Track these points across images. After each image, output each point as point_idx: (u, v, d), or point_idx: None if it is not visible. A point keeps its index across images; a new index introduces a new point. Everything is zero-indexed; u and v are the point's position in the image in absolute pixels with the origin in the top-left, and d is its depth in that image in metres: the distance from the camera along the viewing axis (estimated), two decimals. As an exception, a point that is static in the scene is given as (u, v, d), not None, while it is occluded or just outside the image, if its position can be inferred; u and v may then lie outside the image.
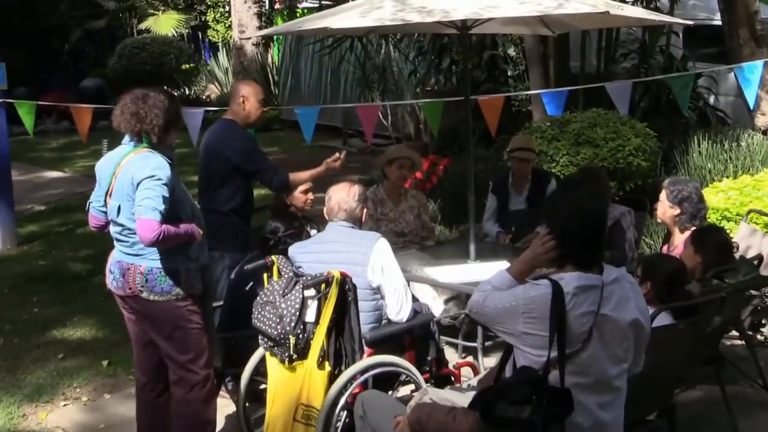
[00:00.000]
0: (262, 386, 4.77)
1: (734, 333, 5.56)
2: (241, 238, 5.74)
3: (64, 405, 5.66)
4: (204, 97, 21.47)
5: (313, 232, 5.67)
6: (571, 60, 11.14)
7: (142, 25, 22.84)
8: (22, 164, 14.42)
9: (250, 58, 20.88)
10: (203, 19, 24.88)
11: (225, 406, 5.16)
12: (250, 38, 20.03)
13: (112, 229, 4.42)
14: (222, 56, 22.42)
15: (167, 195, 4.19)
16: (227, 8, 22.67)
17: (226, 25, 23.18)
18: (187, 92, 21.55)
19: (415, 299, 5.79)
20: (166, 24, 22.48)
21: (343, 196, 4.73)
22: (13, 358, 6.42)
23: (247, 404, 4.86)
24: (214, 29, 24.61)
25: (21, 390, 5.84)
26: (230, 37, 21.99)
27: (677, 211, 5.42)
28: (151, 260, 4.31)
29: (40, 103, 9.55)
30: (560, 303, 3.02)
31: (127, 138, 4.37)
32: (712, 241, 4.96)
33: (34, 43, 22.85)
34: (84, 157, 14.87)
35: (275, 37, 20.99)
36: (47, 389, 5.85)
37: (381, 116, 12.79)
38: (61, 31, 23.62)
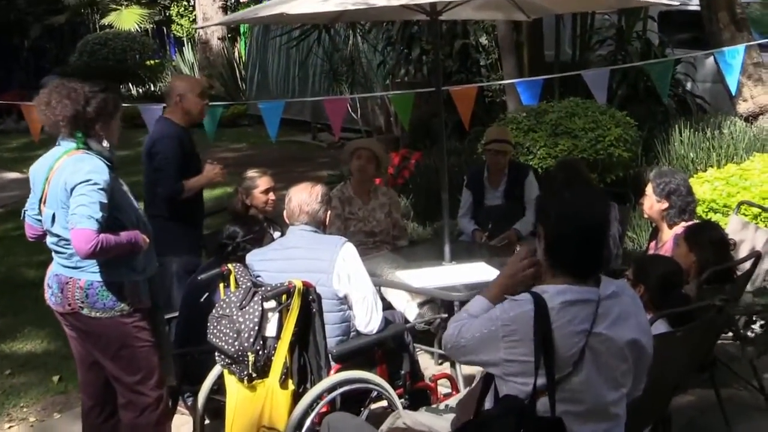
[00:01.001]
0: (224, 402, 4.36)
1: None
2: (186, 242, 5.42)
3: (9, 427, 5.23)
4: (170, 93, 20.96)
5: (276, 235, 5.30)
6: (545, 48, 10.79)
7: (105, 21, 22.24)
8: (-21, 165, 13.95)
9: (216, 53, 20.44)
10: (167, 13, 24.30)
11: (184, 424, 4.76)
12: (209, 30, 19.58)
13: (49, 240, 4.00)
14: (187, 51, 21.90)
15: (105, 201, 3.76)
16: (192, 2, 22.14)
17: (191, 20, 22.65)
18: (153, 88, 21.03)
19: (387, 307, 5.44)
20: (128, 19, 21.91)
21: (305, 197, 4.32)
22: (-44, 376, 5.97)
23: (206, 422, 4.48)
24: (178, 24, 24.05)
25: (-38, 412, 5.39)
26: (195, 31, 21.46)
27: (665, 205, 5.07)
28: (91, 273, 3.90)
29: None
30: (545, 320, 2.63)
31: (60, 138, 3.93)
32: (706, 238, 4.59)
33: (-6, 40, 22.30)
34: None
35: (242, 30, 20.57)
36: (-9, 410, 5.41)
37: (350, 109, 12.39)
38: (20, 27, 23.02)
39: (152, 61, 21.93)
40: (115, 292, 3.90)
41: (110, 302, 3.90)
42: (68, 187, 3.75)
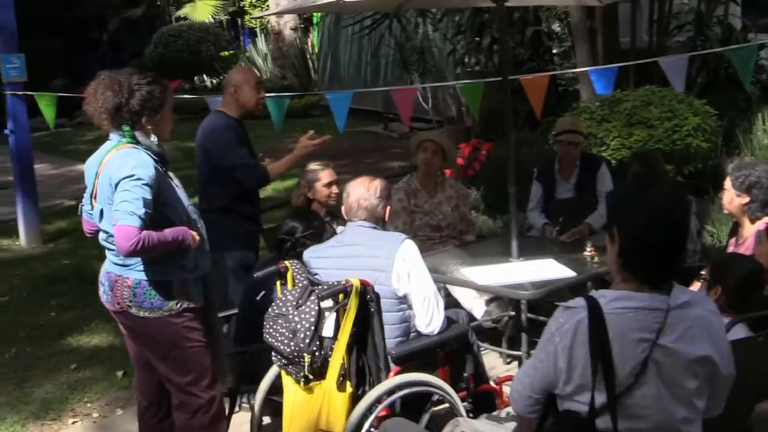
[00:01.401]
0: (281, 402, 4.24)
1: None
2: (241, 237, 5.31)
3: (73, 422, 5.21)
4: (243, 84, 21.03)
5: (339, 229, 5.16)
6: (620, 34, 10.43)
7: (180, 13, 22.41)
8: (57, 157, 14.13)
9: (289, 43, 20.43)
10: (241, 4, 24.39)
11: (245, 423, 4.65)
12: (281, 20, 19.54)
13: (100, 236, 3.91)
14: (260, 42, 21.95)
15: (149, 197, 3.65)
16: (264, -8, 22.22)
17: (263, 10, 22.66)
18: (225, 77, 21.10)
19: (453, 305, 5.28)
20: (203, 11, 22.01)
21: (363, 192, 4.16)
22: (24, 369, 5.99)
23: (265, 421, 4.38)
24: (251, 14, 24.13)
25: (28, 406, 5.39)
26: (267, 21, 21.48)
27: (746, 199, 4.78)
28: (139, 271, 3.80)
29: (60, 95, 9.10)
30: (600, 327, 2.43)
31: (112, 132, 3.83)
32: (793, 234, 4.31)
33: (73, 33, 22.63)
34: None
35: (315, 20, 20.53)
36: (56, 405, 5.40)
37: (421, 99, 12.22)
38: (99, 20, 23.35)
39: (226, 52, 22.04)
40: (163, 292, 3.80)
41: (158, 302, 3.80)
42: (113, 182, 3.66)
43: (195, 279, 3.92)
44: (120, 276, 3.81)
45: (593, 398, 2.43)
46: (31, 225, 9.36)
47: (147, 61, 20.25)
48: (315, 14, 19.66)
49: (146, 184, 3.64)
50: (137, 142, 3.78)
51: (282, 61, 20.35)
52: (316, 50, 20.13)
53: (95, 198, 3.83)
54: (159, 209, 3.71)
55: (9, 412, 5.30)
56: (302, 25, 21.02)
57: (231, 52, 22.57)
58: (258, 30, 22.80)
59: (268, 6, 21.12)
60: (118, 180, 3.63)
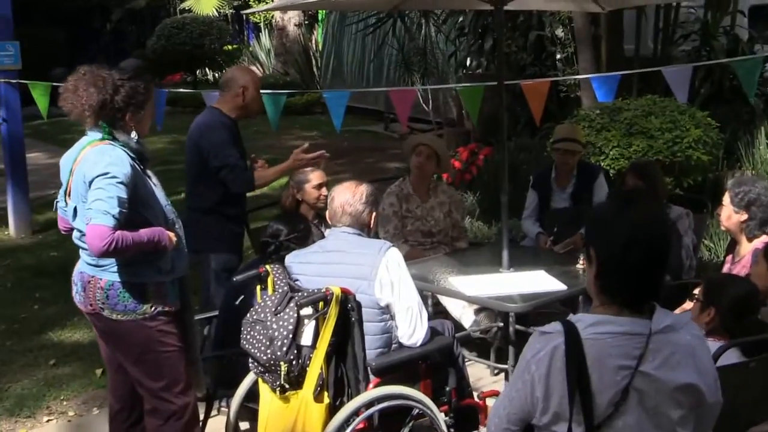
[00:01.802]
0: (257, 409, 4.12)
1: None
2: (226, 239, 5.15)
3: (47, 421, 5.09)
4: (246, 79, 20.92)
5: (328, 232, 5.03)
6: (625, 42, 10.29)
7: (184, 5, 22.30)
8: (52, 146, 14.01)
9: (293, 39, 20.35)
10: (246, -2, 24.34)
11: (220, 429, 4.51)
12: (285, 16, 19.43)
13: (74, 234, 3.78)
14: (264, 37, 21.85)
15: (124, 196, 3.52)
16: (268, -14, 22.11)
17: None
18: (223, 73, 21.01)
19: (440, 312, 5.16)
20: (207, 3, 21.88)
21: (348, 197, 4.03)
22: (1, 363, 5.86)
23: (239, 428, 4.25)
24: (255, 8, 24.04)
25: (2, 402, 5.27)
26: (271, 17, 21.38)
27: (744, 216, 4.65)
28: (113, 272, 3.66)
29: (55, 84, 8.97)
30: (577, 353, 2.28)
31: (88, 127, 3.71)
32: (790, 257, 4.18)
33: (75, 22, 22.54)
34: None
35: (319, 17, 20.43)
36: (31, 401, 5.27)
37: (421, 100, 12.10)
38: (102, 10, 23.27)
39: (230, 46, 21.92)
40: (137, 294, 3.68)
41: (131, 304, 3.68)
42: (87, 179, 3.53)
43: (172, 282, 3.80)
44: (93, 277, 3.68)
45: (570, 429, 2.30)
46: (21, 215, 9.26)
47: (149, 52, 20.14)
48: (320, 11, 19.56)
49: (121, 183, 3.51)
50: (114, 139, 3.66)
51: (285, 57, 20.26)
52: (320, 47, 20.03)
53: (69, 195, 3.70)
54: (136, 208, 3.59)
55: (-18, 408, 5.18)
56: (306, 22, 20.94)
57: (234, 46, 22.46)
58: (262, 25, 22.70)
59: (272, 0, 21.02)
60: (92, 178, 3.50)
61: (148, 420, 3.90)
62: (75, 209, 3.65)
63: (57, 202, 3.91)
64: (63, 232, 3.99)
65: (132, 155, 3.65)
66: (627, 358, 2.29)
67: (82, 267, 3.76)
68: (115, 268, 3.65)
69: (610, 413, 2.30)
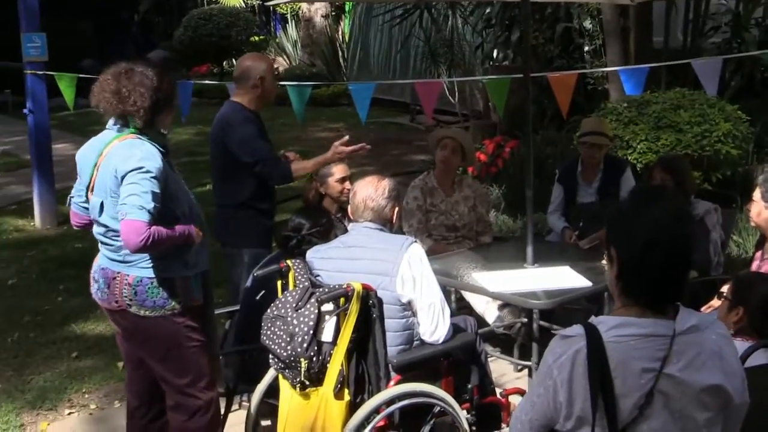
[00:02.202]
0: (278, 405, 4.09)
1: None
2: (258, 233, 5.07)
3: (69, 413, 5.10)
4: (273, 71, 20.91)
5: (350, 226, 4.99)
6: (654, 34, 10.16)
7: (211, -4, 22.36)
8: (80, 137, 14.00)
9: (319, 30, 20.32)
10: (273, -11, 24.29)
11: (240, 423, 4.48)
12: (312, 7, 19.37)
13: (96, 230, 3.75)
14: (291, 28, 21.82)
15: (158, 190, 3.50)
16: (296, -22, 22.03)
17: (296, -4, 22.55)
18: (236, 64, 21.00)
19: (462, 309, 5.11)
20: (234, -6, 21.94)
21: (370, 192, 3.99)
22: (25, 355, 5.89)
23: (259, 424, 4.23)
24: None
25: (24, 394, 5.29)
26: (298, 8, 21.34)
27: None
28: (141, 268, 3.64)
29: (80, 75, 9.00)
30: (600, 356, 2.23)
31: (111, 122, 3.68)
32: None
33: (103, 13, 22.62)
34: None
35: (346, 8, 20.37)
36: (53, 394, 5.29)
37: (447, 92, 12.02)
38: (130, 1, 23.33)
39: (256, 38, 21.91)
40: (166, 289, 3.66)
41: (161, 300, 3.66)
42: (119, 174, 3.50)
43: (195, 276, 3.78)
44: (119, 273, 3.65)
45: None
46: (47, 206, 9.30)
47: (176, 43, 20.20)
48: (347, 2, 19.49)
49: (155, 177, 3.50)
50: (142, 133, 3.63)
51: (311, 48, 20.24)
52: (347, 38, 19.97)
53: (92, 190, 3.67)
54: (165, 203, 3.56)
55: (5, 400, 5.19)
56: (333, 13, 20.87)
57: (261, 37, 22.45)
58: (289, 16, 22.66)
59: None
60: (125, 172, 3.48)
61: (172, 416, 3.88)
62: (101, 204, 3.61)
63: (71, 197, 3.88)
64: (76, 227, 3.96)
65: (161, 149, 3.62)
66: (651, 361, 2.24)
67: (104, 263, 3.73)
68: (144, 264, 3.63)
69: (634, 417, 2.24)
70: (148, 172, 3.49)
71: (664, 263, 2.25)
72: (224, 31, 20.10)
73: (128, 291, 3.64)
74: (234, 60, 21.42)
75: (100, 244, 3.76)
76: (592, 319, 2.33)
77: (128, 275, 3.64)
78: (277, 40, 22.33)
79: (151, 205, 3.45)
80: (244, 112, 5.04)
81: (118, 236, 3.56)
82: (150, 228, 3.43)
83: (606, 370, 2.21)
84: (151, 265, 3.64)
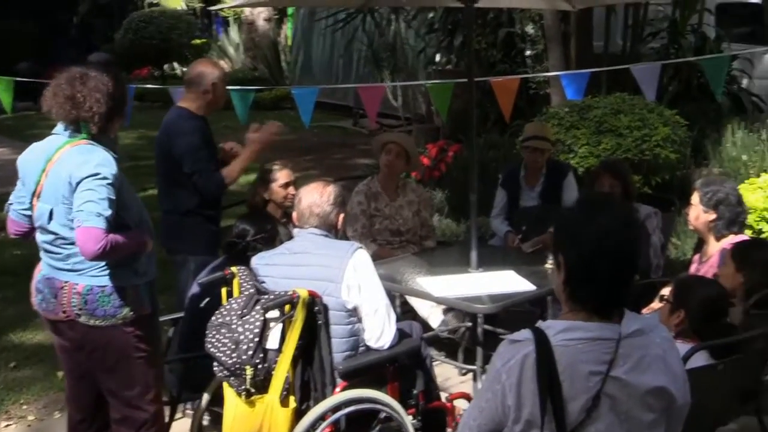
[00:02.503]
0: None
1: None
2: (206, 240, 5.03)
3: (6, 426, 4.99)
4: (214, 74, 20.74)
5: (295, 231, 4.97)
6: (594, 39, 10.31)
7: (152, -2, 22.15)
8: (18, 142, 13.79)
9: (262, 34, 20.23)
10: (215, -8, 24.15)
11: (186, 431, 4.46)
12: (255, 11, 19.30)
13: (40, 238, 3.64)
14: (233, 31, 21.69)
15: (113, 197, 3.43)
16: (238, -19, 21.91)
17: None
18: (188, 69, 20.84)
19: (407, 313, 5.12)
20: (175, -3, 21.77)
21: (315, 198, 3.97)
22: (-40, 366, 5.75)
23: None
24: (224, 2, 23.87)
25: (-39, 406, 5.17)
26: (240, 11, 21.22)
27: (712, 216, 4.64)
28: (91, 277, 3.55)
29: (17, 79, 8.82)
30: (548, 360, 2.25)
31: (60, 127, 3.59)
32: (757, 258, 4.16)
33: (42, 15, 22.24)
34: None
35: (289, 12, 20.30)
36: (-10, 405, 5.17)
37: (391, 96, 12.05)
38: (69, 2, 22.98)
39: (198, 41, 21.74)
40: (117, 298, 3.57)
41: (111, 309, 3.57)
42: (73, 180, 3.41)
43: (144, 285, 3.70)
44: (67, 282, 3.55)
45: None
46: (-17, 212, 9.07)
47: (117, 46, 19.96)
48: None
49: (111, 184, 3.43)
50: (94, 139, 3.56)
51: (254, 51, 20.14)
52: (289, 42, 19.91)
53: (38, 197, 3.56)
54: (117, 211, 3.49)
55: (-60, 413, 5.07)
56: (276, 16, 20.79)
57: (203, 40, 22.27)
58: (231, 19, 22.52)
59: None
60: (80, 178, 3.40)
61: (117, 429, 3.79)
62: (51, 212, 3.51)
63: (9, 204, 3.74)
64: (13, 236, 3.82)
65: (114, 156, 3.56)
66: (598, 364, 2.27)
67: (49, 273, 3.62)
68: (94, 272, 3.54)
69: (582, 420, 2.27)
70: (104, 178, 3.42)
71: (611, 270, 2.29)
72: (165, 34, 19.92)
73: (78, 300, 3.54)
74: (176, 63, 21.28)
75: (43, 253, 3.66)
76: (540, 324, 2.35)
77: (77, 284, 3.55)
78: (219, 44, 22.15)
79: (108, 212, 3.39)
80: (191, 120, 4.98)
81: (68, 244, 3.49)
82: (107, 235, 3.37)
83: (554, 373, 2.24)
84: (101, 273, 3.56)
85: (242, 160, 5.10)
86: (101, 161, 3.46)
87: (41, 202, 3.55)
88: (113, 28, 21.91)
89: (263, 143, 5.14)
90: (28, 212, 3.65)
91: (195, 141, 4.92)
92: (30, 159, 3.62)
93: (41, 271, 3.68)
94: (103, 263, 3.54)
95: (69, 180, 3.43)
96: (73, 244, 3.49)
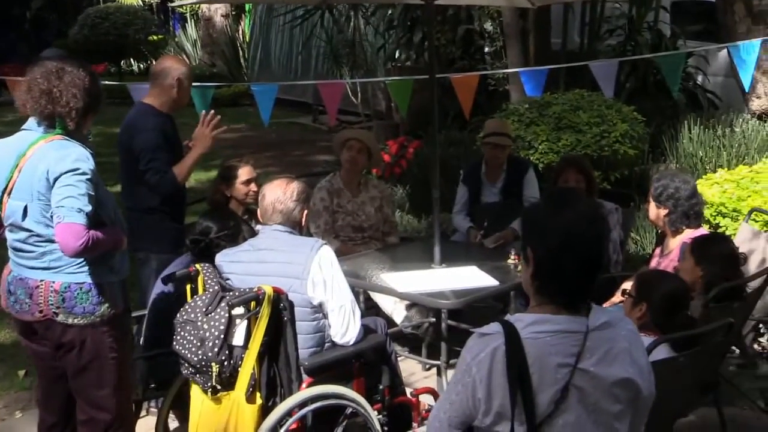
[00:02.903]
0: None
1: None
2: (168, 237, 4.98)
3: (-34, 427, 4.92)
4: (171, 70, 20.56)
5: (258, 228, 4.95)
6: (552, 36, 10.40)
7: (108, -7, 21.86)
8: (-29, 139, 13.60)
9: (219, 30, 20.11)
10: (171, -12, 23.94)
11: (149, 429, 4.42)
12: (212, 7, 19.18)
13: (11, 237, 3.56)
14: (190, 28, 21.53)
15: (93, 193, 3.39)
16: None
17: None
18: (154, 64, 20.66)
19: (370, 309, 5.14)
20: (131, -7, 21.52)
21: (279, 195, 3.97)
22: None
23: (168, 430, 4.18)
24: (177, -1, 23.69)
25: None
26: (198, 7, 21.07)
27: (664, 210, 4.73)
28: (68, 274, 3.49)
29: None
30: (518, 353, 2.28)
31: (32, 122, 3.51)
32: (715, 252, 4.25)
33: (-4, 10, 21.90)
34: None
35: (247, 8, 20.20)
36: (-50, 407, 5.10)
37: (350, 93, 12.05)
38: (24, -2, 22.67)
39: (155, 37, 21.54)
40: (95, 295, 3.51)
41: (90, 306, 3.51)
42: (51, 176, 3.35)
43: (118, 282, 3.66)
44: (42, 281, 3.49)
45: (513, 429, 2.29)
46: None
47: (71, 42, 19.68)
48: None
49: (89, 179, 3.39)
50: (68, 135, 3.50)
51: (212, 48, 20.03)
52: (247, 38, 19.81)
53: (8, 194, 3.49)
54: (94, 207, 3.44)
55: None
56: (233, 12, 20.67)
57: (160, 36, 22.08)
58: (188, 15, 22.36)
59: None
60: (58, 174, 3.35)
61: (82, 431, 3.73)
62: (25, 208, 3.45)
63: None
64: None
65: (90, 151, 3.51)
66: (566, 356, 2.30)
67: (22, 272, 3.54)
68: (71, 269, 3.49)
69: (551, 411, 2.30)
70: (83, 174, 3.38)
71: (579, 263, 2.32)
72: (122, 30, 19.67)
73: (55, 298, 3.48)
74: (132, 60, 21.06)
75: (14, 253, 3.58)
76: (509, 317, 2.38)
77: (54, 282, 3.48)
78: (176, 40, 21.99)
79: (88, 208, 3.35)
80: (154, 117, 4.92)
81: (44, 242, 3.45)
82: (89, 231, 3.33)
83: (524, 366, 2.27)
84: (78, 270, 3.50)
85: (191, 156, 4.98)
86: (79, 156, 3.42)
87: (12, 199, 3.49)
88: (68, 23, 21.60)
89: (209, 138, 5.02)
90: None
91: (153, 138, 4.86)
92: (0, 155, 3.53)
93: (11, 272, 3.60)
94: (80, 260, 3.48)
95: (46, 176, 3.37)
96: (48, 241, 3.45)
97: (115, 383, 3.67)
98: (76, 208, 3.32)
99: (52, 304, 3.49)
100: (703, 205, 4.87)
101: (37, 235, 3.47)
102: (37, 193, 3.41)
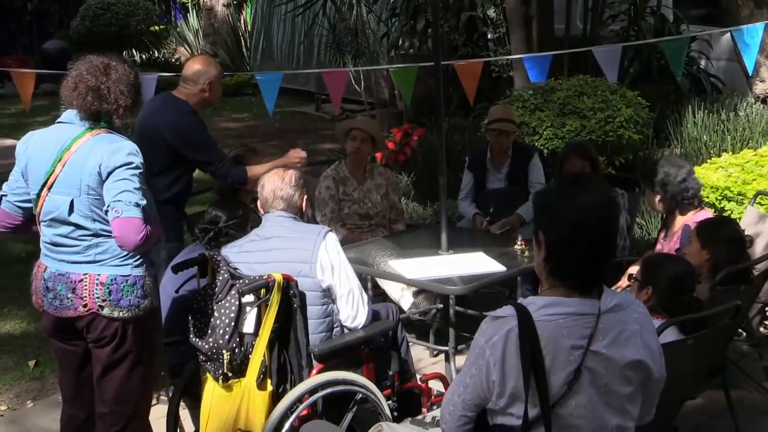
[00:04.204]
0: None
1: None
2: (176, 227, 5.03)
3: (-22, 416, 4.96)
4: (173, 60, 20.57)
5: (263, 217, 4.97)
6: (555, 22, 10.38)
7: (109, -16, 21.78)
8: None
9: (221, 20, 20.05)
10: (173, -22, 23.89)
11: (160, 417, 4.42)
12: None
13: (51, 232, 3.49)
14: (192, 17, 21.49)
15: (145, 187, 3.41)
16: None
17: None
18: (156, 54, 20.66)
19: (380, 294, 5.16)
20: (133, -17, 21.43)
21: (277, 182, 4.01)
22: (-72, 358, 5.69)
23: (180, 418, 4.17)
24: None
25: (-70, 398, 5.12)
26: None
27: (657, 196, 4.83)
28: (113, 267, 3.45)
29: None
30: (531, 335, 2.31)
31: (71, 115, 3.50)
32: (721, 235, 4.27)
33: (-3, 1, 21.84)
34: (44, 124, 13.91)
35: (248, -3, 20.21)
36: (-39, 397, 5.14)
37: (353, 81, 12.04)
38: (23, -12, 22.58)
39: (157, 27, 21.51)
40: (139, 287, 3.49)
41: (135, 299, 3.48)
42: (105, 170, 3.34)
43: (154, 276, 3.66)
44: (86, 274, 3.44)
45: (527, 410, 2.32)
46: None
47: (73, 33, 19.67)
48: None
49: (142, 173, 3.41)
50: (111, 127, 3.51)
51: (214, 37, 19.97)
52: (249, 28, 19.78)
53: (50, 188, 3.45)
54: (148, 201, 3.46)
55: None
56: (235, 2, 20.63)
57: (161, 27, 22.03)
58: (190, 5, 22.31)
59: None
60: (113, 167, 3.35)
61: (103, 423, 3.65)
62: (72, 203, 3.41)
63: (2, 195, 3.61)
64: (3, 230, 3.67)
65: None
66: (579, 338, 2.33)
67: (62, 268, 3.49)
68: (116, 262, 3.46)
69: (563, 393, 2.34)
70: (137, 168, 3.39)
71: (591, 246, 2.35)
72: (123, 21, 19.63)
73: (101, 291, 3.43)
74: (134, 50, 21.03)
75: (51, 248, 3.53)
76: (522, 300, 2.41)
77: (99, 275, 3.44)
78: (178, 30, 21.93)
79: (144, 202, 3.36)
80: (193, 115, 4.98)
81: (89, 236, 3.43)
82: (146, 225, 3.34)
83: (537, 348, 2.30)
84: (123, 263, 3.47)
85: (273, 164, 5.00)
86: (132, 150, 3.42)
87: (55, 193, 3.45)
88: (69, 15, 21.56)
89: (294, 160, 5.10)
90: (27, 204, 3.56)
91: (201, 130, 4.98)
92: (38, 149, 3.51)
93: (47, 268, 3.54)
94: (125, 253, 3.46)
95: (98, 169, 3.36)
96: (94, 235, 3.43)
97: (142, 378, 3.65)
98: (133, 203, 3.32)
99: (98, 297, 3.44)
100: (697, 189, 4.90)
101: (84, 229, 3.44)
102: (86, 187, 3.39)
